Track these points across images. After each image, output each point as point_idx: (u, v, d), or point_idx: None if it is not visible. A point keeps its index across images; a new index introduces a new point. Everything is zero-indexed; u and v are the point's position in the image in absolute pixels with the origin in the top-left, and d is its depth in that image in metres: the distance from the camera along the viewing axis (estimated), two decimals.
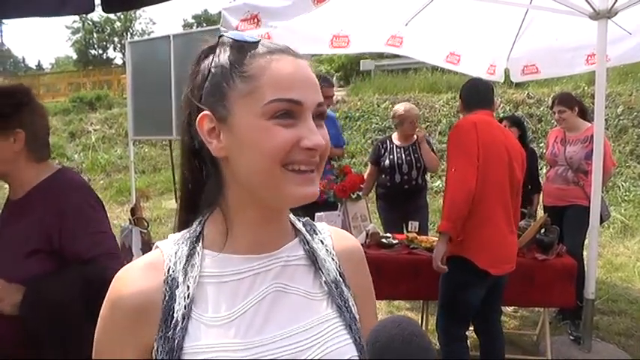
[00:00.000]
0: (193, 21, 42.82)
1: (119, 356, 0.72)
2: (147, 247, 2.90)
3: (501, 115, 5.96)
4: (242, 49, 0.73)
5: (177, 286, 0.72)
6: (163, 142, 10.87)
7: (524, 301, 3.47)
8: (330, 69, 16.06)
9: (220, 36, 0.75)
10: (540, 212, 4.40)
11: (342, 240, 0.88)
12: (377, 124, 10.44)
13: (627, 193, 7.89)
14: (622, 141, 8.72)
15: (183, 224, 0.81)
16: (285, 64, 0.71)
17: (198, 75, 0.75)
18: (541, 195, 4.46)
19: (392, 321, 0.68)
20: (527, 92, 10.17)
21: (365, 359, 0.71)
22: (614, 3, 3.23)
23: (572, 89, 9.12)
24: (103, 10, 2.44)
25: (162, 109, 5.31)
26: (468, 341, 2.94)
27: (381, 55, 13.29)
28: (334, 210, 3.59)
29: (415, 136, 4.31)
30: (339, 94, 11.79)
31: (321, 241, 0.85)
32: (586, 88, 9.42)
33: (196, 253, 0.75)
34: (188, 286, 0.72)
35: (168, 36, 5.38)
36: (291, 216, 0.84)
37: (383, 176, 4.35)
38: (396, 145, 4.33)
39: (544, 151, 5.24)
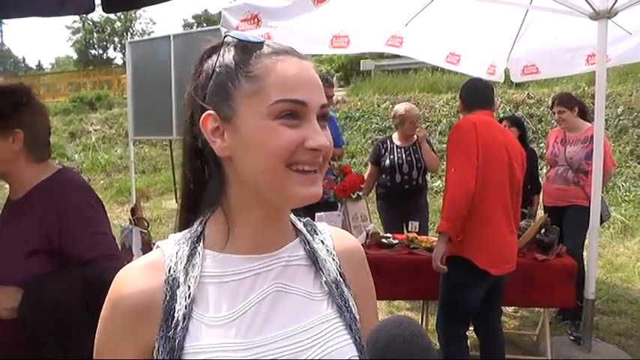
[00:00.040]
0: (193, 21, 42.85)
1: (120, 356, 0.72)
2: (147, 247, 2.90)
3: (501, 116, 5.96)
4: (247, 49, 0.73)
5: (178, 286, 0.72)
6: (163, 142, 10.87)
7: (524, 301, 3.47)
8: (330, 69, 16.06)
9: (225, 36, 0.75)
10: (540, 212, 4.40)
11: (342, 240, 0.88)
12: (377, 124, 10.44)
13: (627, 194, 7.89)
14: (622, 141, 8.72)
15: (184, 224, 0.81)
16: (291, 65, 0.71)
17: (202, 74, 0.75)
18: (541, 195, 4.46)
19: (393, 321, 0.68)
20: (527, 92, 10.17)
21: (365, 359, 0.71)
22: (614, 3, 3.23)
23: (572, 89, 9.11)
24: (103, 10, 2.44)
25: (163, 109, 5.31)
26: (468, 341, 2.94)
27: (381, 55, 13.29)
28: (334, 210, 3.59)
29: (415, 136, 4.31)
30: (339, 94, 11.79)
31: (322, 241, 0.85)
32: (586, 88, 9.42)
33: (197, 253, 0.75)
34: (189, 286, 0.72)
35: (169, 36, 5.38)
36: (292, 216, 0.84)
37: (383, 176, 4.35)
38: (397, 145, 4.33)
39: (544, 151, 5.24)
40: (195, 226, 0.78)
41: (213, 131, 0.72)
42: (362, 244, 0.93)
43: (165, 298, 0.71)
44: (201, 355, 0.68)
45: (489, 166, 2.64)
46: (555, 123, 4.53)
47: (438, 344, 2.91)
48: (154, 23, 50.89)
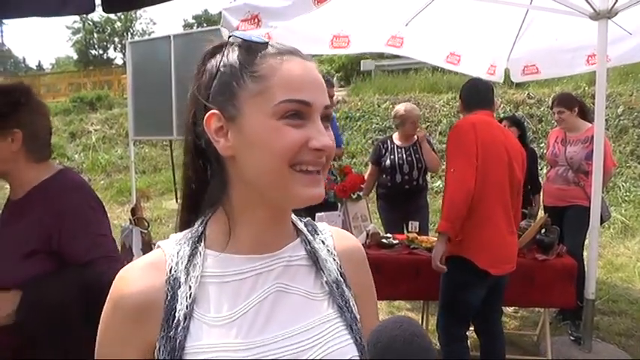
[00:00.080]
0: (194, 21, 42.81)
1: (121, 355, 0.72)
2: (147, 247, 2.90)
3: (502, 116, 5.96)
4: (252, 49, 0.73)
5: (179, 286, 0.72)
6: (164, 143, 10.87)
7: (524, 301, 3.46)
8: (330, 69, 16.07)
9: (230, 36, 0.76)
10: (541, 212, 4.40)
11: (343, 240, 0.88)
12: (377, 124, 10.44)
13: (628, 194, 7.89)
14: (622, 141, 8.72)
15: (185, 224, 0.81)
16: (295, 65, 0.72)
17: (205, 74, 0.75)
18: (541, 195, 4.46)
19: (393, 321, 0.68)
20: (527, 92, 10.17)
21: (366, 359, 0.71)
22: (615, 3, 3.23)
23: (572, 89, 9.11)
24: (104, 10, 2.44)
25: (163, 109, 5.31)
26: (469, 341, 2.94)
27: (381, 56, 13.30)
28: (335, 210, 3.59)
29: (416, 137, 4.31)
30: (339, 94, 11.79)
31: (323, 241, 0.85)
32: (586, 88, 9.42)
33: (198, 253, 0.75)
34: (190, 286, 0.72)
35: (169, 36, 5.39)
36: (293, 216, 0.84)
37: (384, 176, 4.35)
38: (397, 146, 4.33)
39: (544, 151, 5.24)
40: (196, 225, 0.78)
41: (216, 131, 0.72)
42: (362, 244, 0.93)
43: (167, 298, 0.71)
44: (202, 355, 0.68)
45: (489, 166, 2.64)
46: (556, 123, 4.53)
47: (438, 344, 2.91)
48: (154, 23, 50.92)
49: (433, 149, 4.41)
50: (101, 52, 43.33)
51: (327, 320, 0.77)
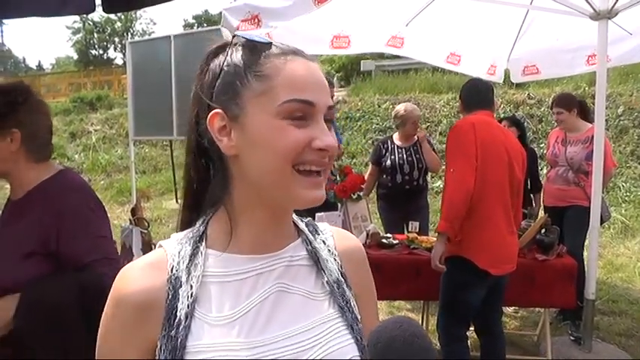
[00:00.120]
0: (194, 21, 42.81)
1: (122, 355, 0.72)
2: (147, 247, 2.90)
3: (502, 116, 5.96)
4: (256, 49, 0.73)
5: (181, 286, 0.72)
6: (164, 143, 10.88)
7: (524, 301, 3.47)
8: (330, 69, 16.08)
9: (233, 36, 0.76)
10: (541, 213, 4.40)
11: (343, 240, 0.88)
12: (377, 124, 10.44)
13: (628, 194, 7.89)
14: (622, 141, 8.72)
15: (186, 224, 0.81)
16: (299, 65, 0.72)
17: (208, 73, 0.75)
18: (542, 195, 4.47)
19: (393, 322, 0.68)
20: (527, 93, 10.17)
21: (366, 359, 0.71)
22: (615, 3, 3.23)
23: (572, 90, 9.11)
24: (104, 10, 2.44)
25: (163, 109, 5.32)
26: (469, 341, 2.94)
27: (381, 56, 13.30)
28: (335, 210, 3.59)
29: (416, 137, 4.31)
30: (339, 94, 11.81)
31: (323, 241, 0.85)
32: (587, 88, 9.41)
33: (200, 253, 0.75)
34: (191, 286, 0.72)
35: (169, 36, 5.39)
36: (294, 216, 0.84)
37: (384, 176, 4.35)
38: (398, 146, 4.33)
39: (544, 151, 5.24)
40: (197, 225, 0.78)
41: (220, 130, 0.73)
42: (362, 244, 0.93)
43: (168, 297, 0.71)
44: (203, 355, 0.68)
45: (489, 166, 2.64)
46: (556, 123, 4.53)
47: (438, 344, 2.91)
48: (155, 23, 50.84)
49: (433, 149, 4.41)
50: (101, 52, 43.36)
51: (328, 320, 0.77)
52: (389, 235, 3.72)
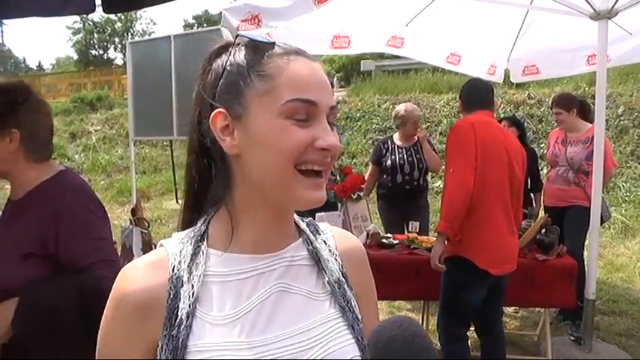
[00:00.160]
0: (194, 21, 42.83)
1: (123, 354, 0.72)
2: (147, 247, 2.90)
3: (502, 116, 5.96)
4: (259, 49, 0.73)
5: (182, 285, 0.72)
6: (164, 143, 10.88)
7: (524, 301, 3.47)
8: (330, 69, 16.09)
9: (237, 36, 0.76)
10: (541, 213, 4.40)
11: (344, 240, 0.88)
12: (378, 124, 10.45)
13: (628, 194, 7.89)
14: (623, 141, 8.72)
15: (187, 223, 0.81)
16: (302, 65, 0.72)
17: (211, 73, 0.76)
18: (542, 195, 4.47)
19: (393, 321, 0.68)
20: (527, 93, 10.17)
21: (367, 359, 0.71)
22: (615, 3, 3.23)
23: (572, 90, 9.11)
24: (104, 10, 2.44)
25: (163, 109, 5.31)
26: (469, 341, 2.94)
27: (381, 56, 13.31)
28: (335, 210, 3.59)
29: (416, 137, 4.31)
30: (339, 94, 11.83)
31: (324, 241, 0.85)
32: (587, 88, 9.42)
33: (201, 252, 0.75)
34: (193, 285, 0.72)
35: (169, 36, 5.39)
36: (295, 216, 0.84)
37: (384, 176, 4.35)
38: (398, 146, 4.33)
39: (545, 151, 5.24)
40: (199, 224, 0.78)
41: (222, 129, 0.73)
42: (362, 244, 0.93)
43: (169, 296, 0.71)
44: (204, 354, 0.68)
45: (488, 166, 2.64)
46: (556, 123, 4.53)
47: (438, 344, 2.91)
48: (155, 24, 50.81)
49: (434, 149, 4.41)
50: (101, 52, 43.38)
51: (329, 320, 0.77)
52: (389, 235, 3.73)
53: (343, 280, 0.82)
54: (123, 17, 40.02)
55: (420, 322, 3.71)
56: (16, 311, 1.37)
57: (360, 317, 0.80)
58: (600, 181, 3.39)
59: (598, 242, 3.50)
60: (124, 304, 0.72)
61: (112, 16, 37.76)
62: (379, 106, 10.91)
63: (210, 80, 0.75)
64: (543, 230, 3.41)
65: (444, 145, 2.83)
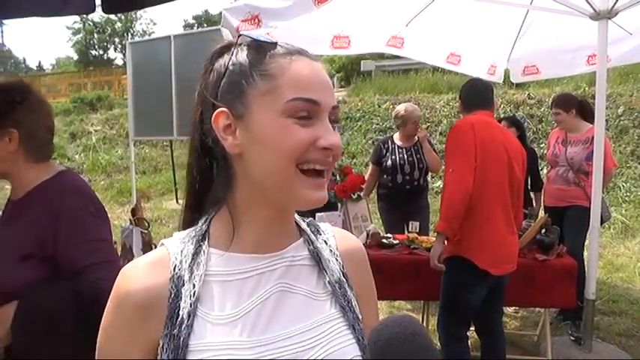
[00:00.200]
0: (194, 21, 42.84)
1: (124, 354, 0.72)
2: (148, 247, 2.89)
3: (502, 116, 5.96)
4: (261, 49, 0.74)
5: (183, 284, 0.72)
6: (164, 143, 10.89)
7: (524, 301, 3.47)
8: (330, 69, 16.08)
9: (239, 35, 0.77)
10: (541, 213, 4.40)
11: (345, 240, 0.89)
12: (378, 124, 10.45)
13: (628, 194, 7.89)
14: (623, 142, 8.72)
15: (188, 223, 0.81)
16: (304, 65, 0.73)
17: (213, 73, 0.76)
18: (542, 195, 4.47)
19: (394, 320, 0.68)
20: (527, 93, 10.17)
21: (367, 359, 0.71)
22: (615, 3, 3.23)
23: (572, 90, 9.12)
24: (103, 10, 2.44)
25: (163, 109, 5.32)
26: (469, 341, 2.94)
27: (381, 56, 13.31)
28: (335, 210, 3.59)
29: (416, 137, 4.31)
30: (339, 94, 11.83)
31: (325, 241, 0.86)
32: (587, 88, 9.42)
33: (202, 252, 0.75)
34: (194, 284, 0.72)
35: (169, 36, 5.39)
36: (296, 216, 0.84)
37: (385, 176, 4.35)
38: (398, 146, 4.33)
39: (545, 151, 5.25)
40: (200, 224, 0.78)
41: (225, 128, 0.73)
42: (362, 245, 0.93)
43: (170, 295, 0.71)
44: (205, 354, 0.68)
45: (488, 166, 2.64)
46: (556, 123, 4.54)
47: (438, 344, 2.91)
48: (155, 24, 50.80)
49: (434, 149, 4.41)
50: (101, 52, 43.37)
51: (330, 320, 0.77)
52: (389, 235, 3.73)
53: (344, 280, 0.82)
54: (123, 17, 40.02)
55: (420, 322, 3.71)
56: (15, 316, 1.36)
57: (360, 317, 0.80)
58: (600, 181, 3.39)
59: (598, 242, 3.50)
60: (125, 303, 0.72)
61: (112, 17, 37.72)
62: (379, 106, 10.92)
63: (213, 80, 0.75)
64: (543, 230, 3.41)
65: (444, 145, 2.83)
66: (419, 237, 3.61)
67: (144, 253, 1.10)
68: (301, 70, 0.72)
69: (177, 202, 9.03)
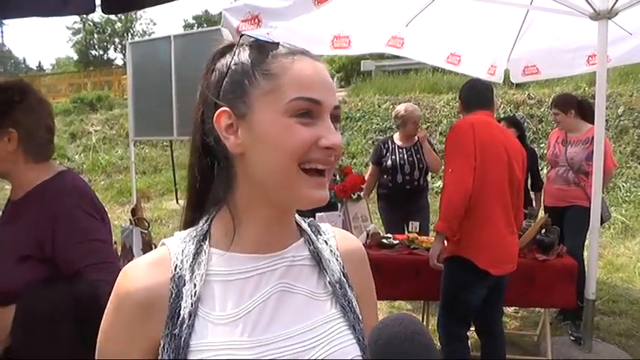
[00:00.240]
0: (194, 21, 42.82)
1: (124, 354, 0.72)
2: (148, 247, 2.89)
3: (502, 116, 5.96)
4: (263, 48, 0.74)
5: (184, 284, 0.72)
6: (164, 143, 10.89)
7: (524, 301, 3.47)
8: (330, 69, 16.06)
9: (241, 35, 0.77)
10: (541, 213, 4.40)
11: (345, 241, 0.89)
12: (378, 124, 10.45)
13: (628, 194, 7.89)
14: (623, 142, 8.72)
15: (189, 223, 0.81)
16: (306, 65, 0.73)
17: (215, 73, 0.76)
18: (542, 195, 4.47)
19: (394, 319, 0.68)
20: (527, 93, 10.17)
21: (367, 359, 0.71)
22: (615, 3, 3.23)
23: (572, 90, 9.12)
24: (103, 11, 2.44)
25: (163, 109, 5.32)
26: (469, 341, 2.94)
27: (381, 56, 13.29)
28: (335, 210, 3.59)
29: (416, 137, 4.31)
30: (339, 94, 11.80)
31: (326, 241, 0.86)
32: (587, 88, 9.42)
33: (203, 251, 0.75)
34: (195, 284, 0.72)
35: (169, 36, 5.39)
36: (297, 216, 0.85)
37: (385, 176, 4.36)
38: (398, 146, 4.33)
39: (545, 151, 5.25)
40: (201, 224, 0.79)
41: (226, 128, 0.73)
42: (362, 245, 0.93)
43: (171, 295, 0.71)
44: (206, 353, 0.68)
45: (488, 166, 2.64)
46: (555, 124, 4.54)
47: (438, 344, 2.91)
48: (155, 24, 50.74)
49: (434, 149, 4.41)
50: (101, 52, 43.34)
51: (330, 320, 0.77)
52: (389, 235, 3.73)
53: (344, 280, 0.82)
54: (123, 17, 39.99)
55: (420, 321, 3.71)
56: (14, 316, 1.36)
57: (360, 317, 0.80)
58: (600, 181, 3.39)
59: (598, 242, 3.50)
60: (126, 303, 0.72)
61: (112, 17, 37.66)
62: (379, 106, 10.92)
63: (215, 79, 0.76)
64: (543, 230, 3.41)
65: (444, 145, 2.83)
66: (419, 237, 3.61)
67: (144, 254, 1.10)
68: (303, 70, 0.72)
69: (177, 202, 9.03)
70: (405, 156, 4.26)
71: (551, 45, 4.60)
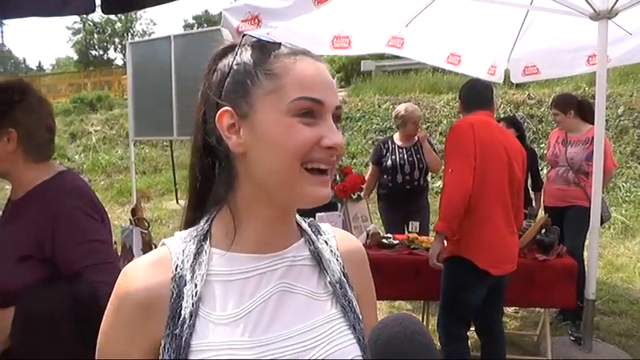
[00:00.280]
0: (194, 22, 42.81)
1: (125, 354, 0.72)
2: (148, 247, 2.89)
3: (501, 116, 5.96)
4: (265, 49, 0.74)
5: (185, 284, 0.72)
6: (164, 143, 10.89)
7: (524, 301, 3.47)
8: (330, 69, 16.00)
9: (243, 35, 0.77)
10: (541, 213, 4.41)
11: (345, 241, 0.89)
12: (378, 124, 10.45)
13: (628, 194, 7.89)
14: (623, 142, 8.72)
15: (190, 223, 0.81)
16: (308, 65, 0.73)
17: (217, 73, 0.76)
18: (542, 195, 4.48)
19: (394, 319, 0.68)
20: (527, 93, 10.17)
21: (368, 359, 0.71)
22: (615, 3, 3.23)
23: (572, 90, 9.11)
24: (103, 11, 2.43)
25: (163, 109, 5.33)
26: (470, 341, 2.94)
27: (381, 56, 13.29)
28: (335, 210, 3.59)
29: (416, 137, 4.31)
30: (339, 94, 11.77)
31: (326, 241, 0.86)
32: (587, 88, 9.41)
33: (204, 251, 0.75)
34: (196, 284, 0.72)
35: (169, 36, 5.40)
36: (297, 216, 0.85)
37: (385, 177, 4.36)
38: (398, 146, 4.33)
39: (545, 151, 5.25)
40: (201, 224, 0.79)
41: (229, 127, 0.73)
42: (362, 245, 0.93)
43: (172, 295, 0.72)
44: (207, 353, 0.68)
45: (488, 166, 2.64)
46: (555, 124, 4.54)
47: (438, 344, 2.91)
48: (155, 24, 50.71)
49: (434, 149, 4.41)
50: (101, 52, 43.32)
51: (331, 320, 0.77)
52: (389, 235, 3.73)
53: (344, 280, 0.82)
54: (123, 17, 39.98)
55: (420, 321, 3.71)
56: (14, 317, 1.35)
57: (361, 317, 0.80)
58: (600, 181, 3.39)
59: (598, 242, 3.50)
60: (126, 303, 0.72)
61: (112, 17, 37.66)
62: (379, 107, 10.91)
63: (217, 79, 0.76)
64: (543, 230, 3.41)
65: (444, 145, 2.83)
66: (419, 237, 3.61)
67: (144, 254, 1.10)
68: (305, 70, 0.72)
69: (177, 202, 9.03)
70: (405, 156, 4.26)
71: (551, 45, 4.60)
